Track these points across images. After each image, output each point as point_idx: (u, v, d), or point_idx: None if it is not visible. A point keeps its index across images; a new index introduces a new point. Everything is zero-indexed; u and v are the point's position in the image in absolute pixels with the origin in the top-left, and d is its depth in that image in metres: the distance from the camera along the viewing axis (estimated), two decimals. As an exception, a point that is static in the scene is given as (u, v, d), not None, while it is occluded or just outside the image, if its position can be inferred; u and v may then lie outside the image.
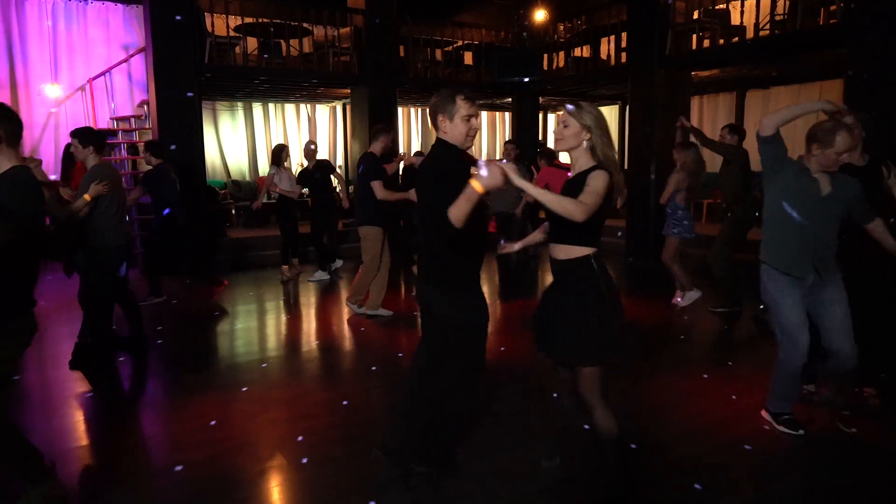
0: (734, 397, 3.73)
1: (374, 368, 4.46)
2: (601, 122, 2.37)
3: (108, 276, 4.34)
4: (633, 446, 2.88)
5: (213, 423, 3.48)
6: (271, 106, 11.94)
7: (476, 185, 2.18)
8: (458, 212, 2.24)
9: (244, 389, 3.98)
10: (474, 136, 2.60)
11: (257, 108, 11.80)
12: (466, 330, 2.61)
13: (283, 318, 6.01)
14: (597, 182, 2.28)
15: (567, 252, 2.42)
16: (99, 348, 4.36)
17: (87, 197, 4.04)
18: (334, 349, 4.97)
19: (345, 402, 3.76)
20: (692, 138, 5.81)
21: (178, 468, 2.98)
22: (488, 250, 2.81)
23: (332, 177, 7.68)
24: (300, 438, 3.27)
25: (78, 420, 3.67)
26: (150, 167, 6.19)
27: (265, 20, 8.67)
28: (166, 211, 5.97)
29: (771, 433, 3.24)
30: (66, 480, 2.73)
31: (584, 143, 2.38)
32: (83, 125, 9.34)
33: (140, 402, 3.99)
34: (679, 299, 5.92)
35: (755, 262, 3.29)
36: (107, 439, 3.36)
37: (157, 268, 6.42)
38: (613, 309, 2.39)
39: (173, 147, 7.69)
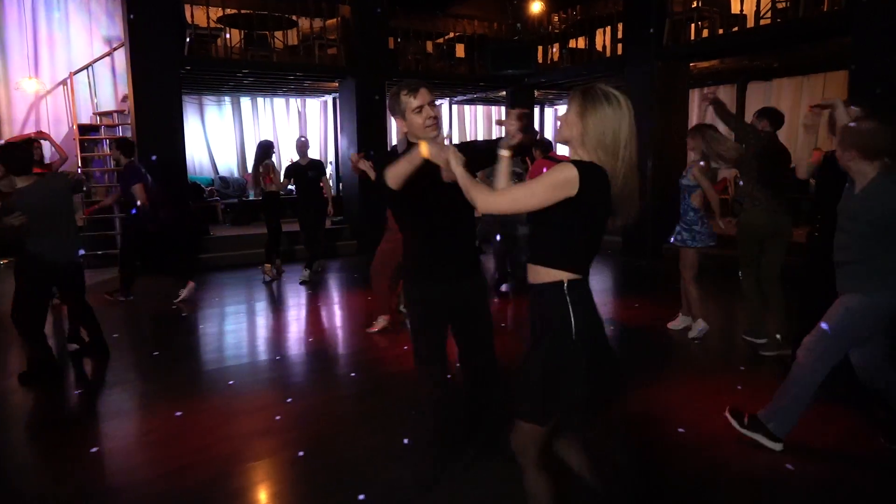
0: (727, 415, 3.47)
1: (352, 375, 4.21)
2: (601, 114, 1.80)
3: (36, 286, 4.00)
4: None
5: (170, 436, 3.24)
6: (260, 100, 11.68)
7: (422, 149, 2.09)
8: (394, 170, 2.20)
9: (207, 400, 3.73)
10: (434, 124, 2.38)
11: (245, 102, 11.54)
12: (412, 316, 2.58)
13: (260, 321, 5.76)
14: (550, 173, 1.81)
15: (537, 275, 1.93)
16: (40, 358, 4.06)
17: None
18: (312, 355, 4.69)
19: (315, 413, 3.51)
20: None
21: (134, 485, 2.75)
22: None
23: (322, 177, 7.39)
24: (260, 455, 3.02)
25: (26, 435, 3.44)
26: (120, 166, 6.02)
27: (248, 11, 8.41)
28: (133, 210, 5.85)
29: (765, 448, 2.98)
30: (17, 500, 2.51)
31: (578, 134, 1.86)
32: (65, 121, 9.21)
33: (96, 415, 3.72)
34: (677, 323, 5.00)
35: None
36: (58, 455, 3.11)
37: (130, 266, 6.19)
38: (576, 358, 1.85)
39: (154, 158, 7.57)
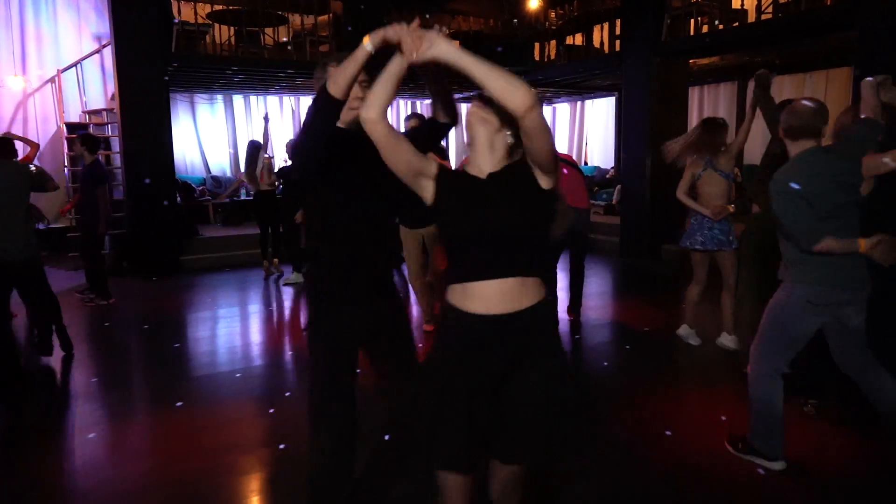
0: (723, 418, 3.29)
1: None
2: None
3: None
4: None
5: (144, 448, 3.10)
6: (252, 98, 11.51)
7: (365, 41, 1.63)
8: (337, 72, 1.69)
9: (177, 405, 3.56)
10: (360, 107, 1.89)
11: (238, 100, 11.37)
12: (315, 336, 2.12)
13: (240, 325, 5.58)
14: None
15: (523, 291, 1.56)
16: (6, 364, 3.87)
17: None
18: (294, 362, 4.54)
19: (291, 424, 3.35)
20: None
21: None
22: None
23: None
24: (227, 474, 2.85)
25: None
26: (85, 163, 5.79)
27: (237, 7, 8.24)
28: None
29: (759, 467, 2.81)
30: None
31: (508, 138, 1.65)
32: (52, 119, 9.04)
33: (67, 426, 3.54)
34: (722, 339, 4.50)
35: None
36: (17, 470, 2.95)
37: (99, 268, 6.02)
38: (570, 378, 1.71)
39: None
